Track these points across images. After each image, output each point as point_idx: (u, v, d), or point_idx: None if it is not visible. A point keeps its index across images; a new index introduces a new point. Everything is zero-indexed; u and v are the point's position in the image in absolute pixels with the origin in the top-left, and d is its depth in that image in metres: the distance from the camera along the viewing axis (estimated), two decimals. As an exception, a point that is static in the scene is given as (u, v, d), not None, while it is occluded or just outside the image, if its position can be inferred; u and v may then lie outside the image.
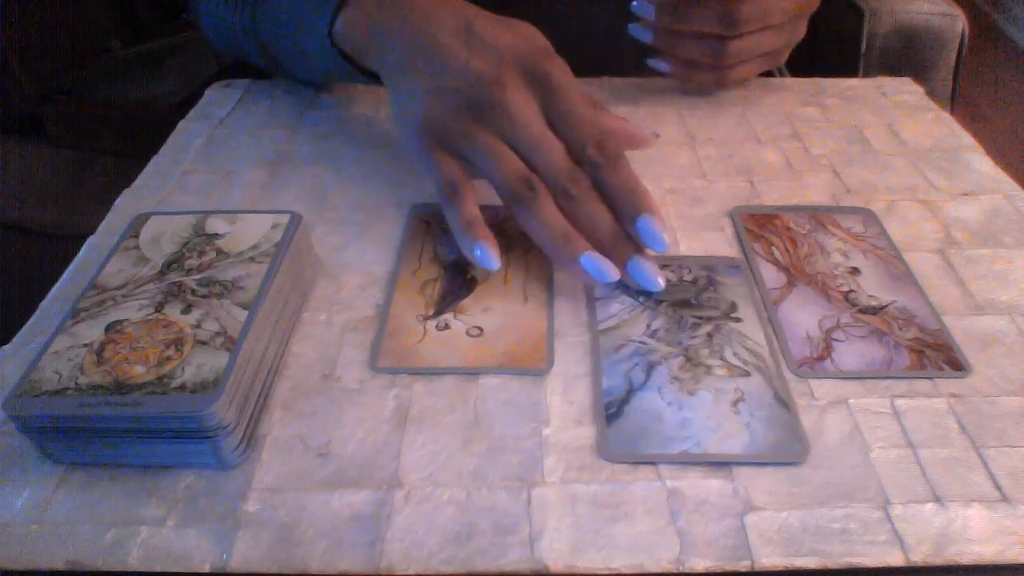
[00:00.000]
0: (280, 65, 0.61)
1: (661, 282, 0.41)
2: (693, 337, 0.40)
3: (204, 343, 0.34)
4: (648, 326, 0.40)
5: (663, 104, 0.61)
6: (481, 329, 0.40)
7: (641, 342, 0.39)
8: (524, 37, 0.44)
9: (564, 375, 0.38)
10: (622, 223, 0.41)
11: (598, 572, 0.30)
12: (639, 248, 0.41)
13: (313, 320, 0.42)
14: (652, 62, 0.59)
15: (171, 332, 0.35)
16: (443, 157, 0.44)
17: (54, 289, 0.44)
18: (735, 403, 0.36)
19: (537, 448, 0.35)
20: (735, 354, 0.39)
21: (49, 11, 1.34)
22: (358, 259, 0.46)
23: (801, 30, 0.58)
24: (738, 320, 0.41)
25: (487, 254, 0.41)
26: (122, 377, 0.33)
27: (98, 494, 0.33)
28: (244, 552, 0.31)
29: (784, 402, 0.36)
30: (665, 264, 0.44)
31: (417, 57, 0.45)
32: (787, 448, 0.34)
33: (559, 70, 0.43)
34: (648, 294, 0.42)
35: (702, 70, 0.58)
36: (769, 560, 0.30)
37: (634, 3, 0.54)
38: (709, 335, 0.40)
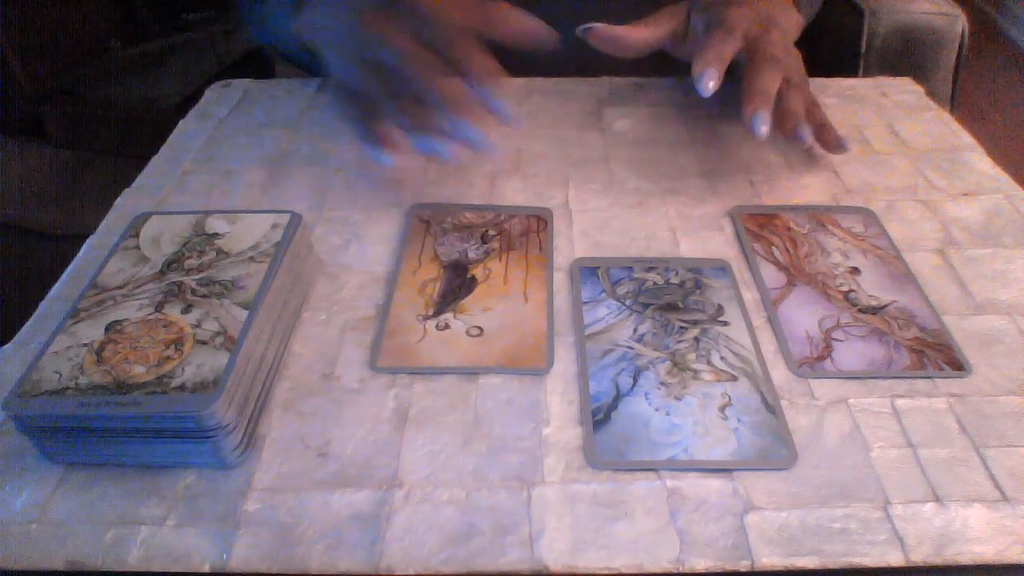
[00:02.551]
0: (290, 58, 0.66)
1: (487, 142, 0.45)
2: (680, 341, 0.40)
3: (204, 343, 0.34)
4: (635, 330, 0.40)
5: (663, 104, 0.61)
6: (481, 329, 0.40)
7: (628, 347, 0.39)
8: None
9: (564, 375, 0.38)
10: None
11: (598, 572, 0.30)
12: (479, 114, 0.45)
13: (313, 320, 0.42)
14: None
15: (171, 332, 0.35)
16: (345, 96, 0.51)
17: (54, 289, 0.44)
18: (722, 408, 0.36)
19: (537, 448, 0.35)
20: (722, 358, 0.39)
21: (49, 11, 1.34)
22: (358, 259, 0.46)
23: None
24: (725, 324, 0.41)
25: (383, 154, 0.48)
26: (122, 377, 0.33)
27: (98, 494, 0.33)
28: (244, 552, 0.31)
29: (771, 407, 0.36)
30: (652, 267, 0.45)
31: (327, 31, 0.52)
32: (775, 454, 0.34)
33: (426, 5, 0.49)
34: (637, 303, 0.42)
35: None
36: (769, 560, 0.30)
37: (756, 131, 0.49)
38: (696, 339, 0.40)
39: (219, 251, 0.40)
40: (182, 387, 0.32)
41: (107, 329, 0.35)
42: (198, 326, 0.35)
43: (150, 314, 0.36)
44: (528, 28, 0.52)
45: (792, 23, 0.57)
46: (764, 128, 0.48)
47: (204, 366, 0.33)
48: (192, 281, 0.38)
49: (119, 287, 0.38)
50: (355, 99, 0.51)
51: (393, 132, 0.50)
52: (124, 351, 0.34)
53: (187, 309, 0.36)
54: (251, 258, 0.39)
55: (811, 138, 0.50)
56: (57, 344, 0.34)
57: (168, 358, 0.34)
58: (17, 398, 0.32)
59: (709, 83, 0.50)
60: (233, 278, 0.38)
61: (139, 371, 0.33)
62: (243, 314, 0.36)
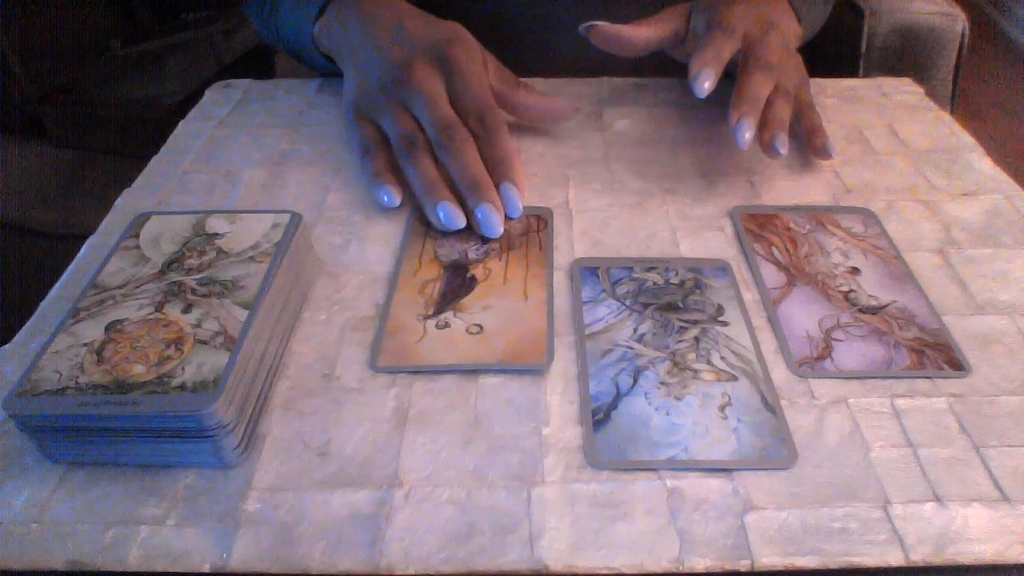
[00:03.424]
0: (304, 61, 0.67)
1: (498, 230, 0.46)
2: (680, 341, 0.40)
3: (204, 342, 0.34)
4: (635, 330, 0.40)
5: (663, 104, 0.61)
6: (481, 327, 0.40)
7: (628, 347, 0.39)
8: (442, 30, 0.52)
9: (564, 375, 0.38)
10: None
11: (598, 572, 0.30)
12: (494, 199, 0.47)
13: (313, 320, 0.42)
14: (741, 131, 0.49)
15: (171, 331, 0.35)
16: (363, 124, 0.52)
17: (54, 289, 0.44)
18: (722, 408, 0.36)
19: (537, 448, 0.35)
20: (722, 358, 0.39)
21: (49, 11, 1.34)
22: (358, 259, 0.46)
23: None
24: (725, 324, 0.41)
25: (387, 193, 0.48)
26: (122, 376, 0.33)
27: (98, 494, 0.33)
28: (244, 552, 0.31)
29: (771, 407, 0.36)
30: (652, 267, 0.45)
31: (357, 52, 0.54)
32: (774, 454, 0.34)
33: (463, 55, 0.51)
34: (637, 302, 0.42)
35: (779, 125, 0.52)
36: (769, 560, 0.30)
37: (739, 138, 0.48)
38: (696, 339, 0.40)
39: (219, 251, 0.40)
40: (182, 387, 0.32)
41: (107, 329, 0.35)
42: (198, 326, 0.35)
43: (150, 314, 0.36)
44: (550, 112, 0.55)
45: (791, 30, 0.57)
46: (748, 135, 0.48)
47: (204, 366, 0.33)
48: (192, 281, 0.38)
49: (119, 287, 0.38)
50: (368, 127, 0.52)
51: (398, 172, 0.50)
52: (124, 351, 0.34)
53: (187, 309, 0.36)
54: (251, 258, 0.39)
55: (785, 149, 0.49)
56: (57, 344, 0.34)
57: (168, 358, 0.34)
58: (17, 398, 0.32)
59: (704, 83, 0.50)
60: (233, 278, 0.38)
61: (139, 371, 0.33)
62: (243, 314, 0.36)
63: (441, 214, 0.46)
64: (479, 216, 0.46)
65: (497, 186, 0.47)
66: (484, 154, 0.48)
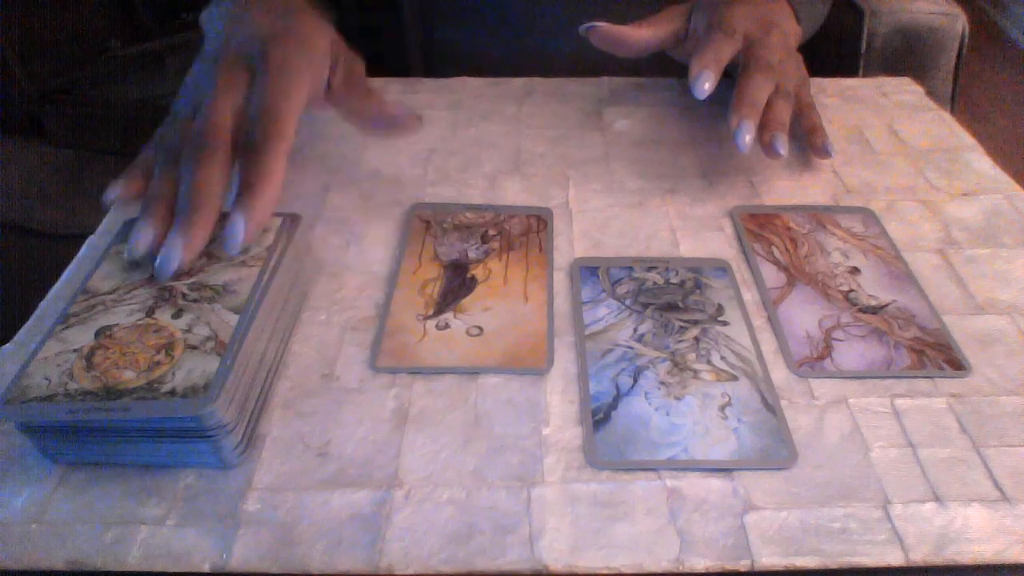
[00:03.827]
0: None
1: (168, 271, 0.38)
2: (680, 341, 0.40)
3: (195, 348, 0.34)
4: (635, 330, 0.40)
5: (663, 104, 0.61)
6: (481, 328, 0.40)
7: (628, 347, 0.39)
8: (280, 25, 0.46)
9: (564, 375, 0.38)
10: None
11: (598, 572, 0.30)
12: (191, 231, 0.38)
13: (313, 320, 0.42)
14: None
15: (161, 337, 0.35)
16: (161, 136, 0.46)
17: (54, 289, 0.44)
18: (722, 408, 0.36)
19: (537, 448, 0.35)
20: (722, 358, 0.39)
21: (49, 11, 1.34)
22: (358, 259, 0.46)
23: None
24: (725, 323, 0.41)
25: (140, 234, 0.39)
26: (112, 382, 0.32)
27: (98, 494, 0.33)
28: (244, 552, 0.31)
29: (771, 407, 0.36)
30: (652, 267, 0.45)
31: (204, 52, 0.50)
32: (775, 454, 0.34)
33: (278, 53, 0.44)
34: (637, 302, 0.42)
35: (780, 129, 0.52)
36: (769, 560, 0.30)
37: (739, 141, 0.48)
38: (696, 339, 0.40)
39: (210, 255, 0.39)
40: (172, 392, 0.32)
41: (97, 334, 0.35)
42: (189, 331, 0.35)
43: (140, 319, 0.36)
44: (390, 120, 0.50)
45: (791, 30, 0.57)
46: (748, 138, 0.48)
47: (194, 371, 0.33)
48: (183, 286, 0.38)
49: (109, 292, 0.37)
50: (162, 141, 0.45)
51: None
52: (114, 356, 0.34)
53: (178, 314, 0.36)
54: (242, 262, 0.39)
55: (785, 150, 0.49)
56: (46, 350, 0.34)
57: (158, 363, 0.33)
58: (5, 404, 0.32)
59: (704, 85, 0.50)
60: (224, 282, 0.38)
61: (129, 376, 0.33)
62: (234, 319, 0.36)
63: (137, 232, 0.39)
64: (162, 249, 0.38)
65: (234, 207, 0.39)
66: (242, 169, 0.41)
